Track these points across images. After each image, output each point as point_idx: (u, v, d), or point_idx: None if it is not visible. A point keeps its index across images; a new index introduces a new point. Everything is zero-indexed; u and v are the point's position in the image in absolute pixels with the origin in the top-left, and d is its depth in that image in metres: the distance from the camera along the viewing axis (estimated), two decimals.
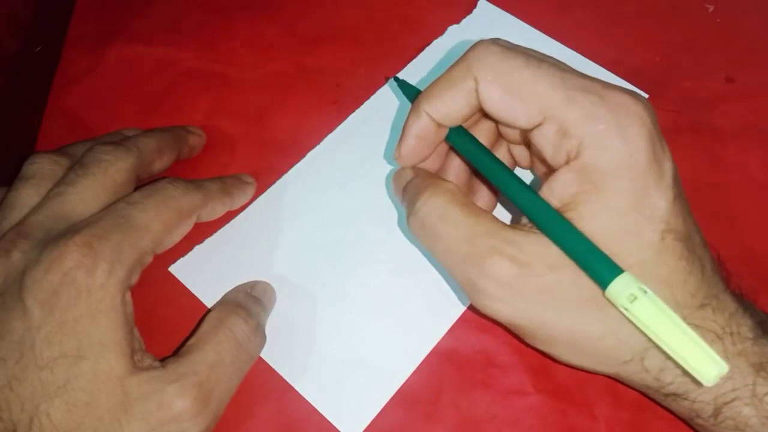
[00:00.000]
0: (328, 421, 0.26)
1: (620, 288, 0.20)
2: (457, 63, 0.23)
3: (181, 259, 0.29)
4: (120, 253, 0.23)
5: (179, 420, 0.22)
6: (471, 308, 0.28)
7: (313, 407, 0.26)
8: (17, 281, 0.22)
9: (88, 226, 0.23)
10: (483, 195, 0.28)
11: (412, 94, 0.28)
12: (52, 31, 0.37)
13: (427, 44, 0.35)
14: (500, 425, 0.26)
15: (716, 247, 0.24)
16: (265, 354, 0.27)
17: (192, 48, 0.36)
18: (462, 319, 0.28)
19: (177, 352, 0.24)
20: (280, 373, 0.27)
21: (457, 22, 0.36)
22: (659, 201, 0.21)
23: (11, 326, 0.22)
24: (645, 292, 0.20)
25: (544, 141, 0.22)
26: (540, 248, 0.22)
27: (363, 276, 0.29)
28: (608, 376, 0.24)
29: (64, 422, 0.21)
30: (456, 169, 0.27)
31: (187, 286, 0.29)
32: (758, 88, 0.34)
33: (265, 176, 0.31)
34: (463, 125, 0.25)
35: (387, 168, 0.32)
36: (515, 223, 0.24)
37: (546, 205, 0.22)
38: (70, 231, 0.23)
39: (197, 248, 0.29)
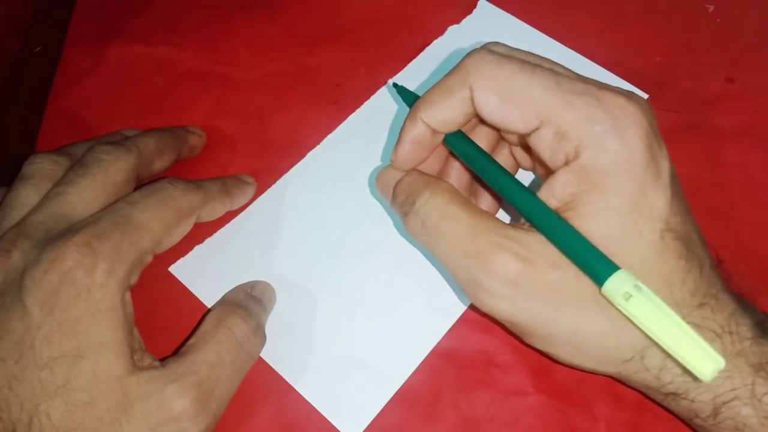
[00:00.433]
0: (328, 421, 0.26)
1: (616, 285, 0.20)
2: (452, 71, 0.24)
3: (181, 259, 0.29)
4: (120, 252, 0.23)
5: (179, 420, 0.22)
6: (471, 308, 0.28)
7: (313, 407, 0.26)
8: (17, 281, 0.22)
9: (88, 226, 0.23)
10: (485, 199, 0.28)
11: (410, 99, 0.28)
12: (52, 31, 0.37)
13: (427, 44, 0.35)
14: (500, 425, 0.26)
15: (716, 247, 0.24)
16: (265, 354, 0.27)
17: (192, 48, 0.36)
18: (462, 319, 0.28)
19: (177, 352, 0.24)
20: (280, 373, 0.27)
21: (457, 22, 0.36)
22: (657, 200, 0.21)
23: (11, 326, 0.22)
24: (640, 288, 0.20)
25: (542, 144, 0.22)
26: (541, 246, 0.22)
27: (363, 276, 0.29)
28: (608, 376, 0.24)
29: (63, 422, 0.21)
30: (457, 172, 0.27)
31: (187, 286, 0.29)
32: (758, 88, 0.34)
33: (265, 176, 0.31)
34: (465, 129, 0.26)
35: None
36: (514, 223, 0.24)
37: (542, 204, 0.22)
38: (69, 231, 0.23)
39: (197, 248, 0.29)
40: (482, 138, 0.26)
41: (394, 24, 0.36)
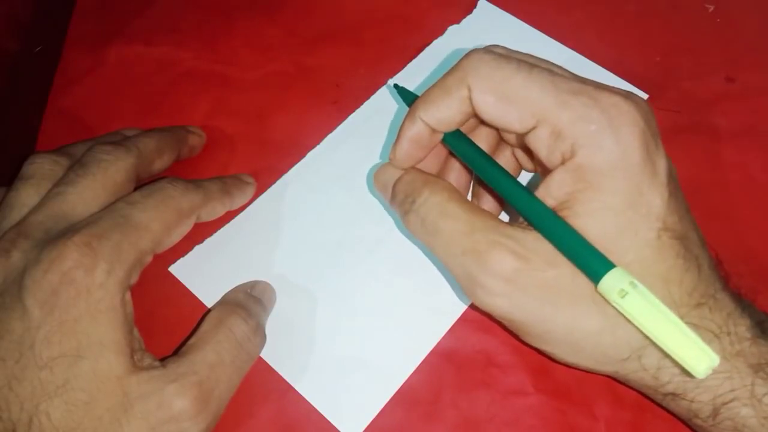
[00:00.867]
0: (328, 421, 0.26)
1: (612, 282, 0.20)
2: (451, 71, 0.24)
3: (181, 259, 0.29)
4: (119, 252, 0.23)
5: (179, 420, 0.22)
6: (471, 308, 0.28)
7: (313, 407, 0.26)
8: (17, 281, 0.22)
9: (88, 225, 0.23)
10: (487, 201, 0.28)
11: (409, 99, 0.28)
12: (52, 31, 0.37)
13: (427, 44, 0.35)
14: (500, 425, 0.26)
15: (715, 247, 0.24)
16: (265, 354, 0.27)
17: (192, 48, 0.36)
18: (462, 319, 0.28)
19: (177, 352, 0.24)
20: (280, 373, 0.27)
21: (457, 22, 0.36)
22: (654, 199, 0.21)
23: (11, 326, 0.22)
24: (636, 285, 0.20)
25: (539, 144, 0.22)
26: (538, 244, 0.22)
27: (363, 276, 0.29)
28: (607, 376, 0.24)
29: (63, 422, 0.21)
30: (456, 172, 0.28)
31: (187, 286, 0.29)
32: (758, 88, 0.34)
33: (265, 176, 0.31)
34: (465, 129, 0.26)
35: None
36: (513, 222, 0.24)
37: (539, 203, 0.22)
38: (69, 231, 0.23)
39: (197, 248, 0.29)
40: (482, 139, 0.27)
41: (394, 24, 0.36)
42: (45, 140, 0.33)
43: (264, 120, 0.34)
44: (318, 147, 0.32)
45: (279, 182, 0.31)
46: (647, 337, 0.20)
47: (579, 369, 0.24)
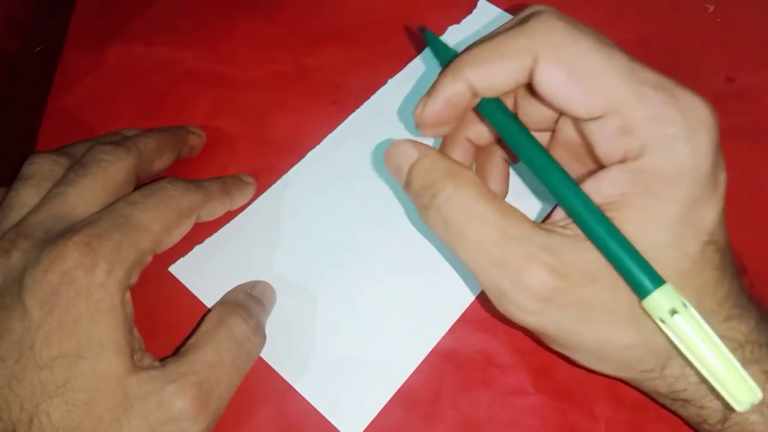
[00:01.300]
0: (328, 421, 0.26)
1: (661, 300, 0.19)
2: (514, 33, 0.21)
3: (181, 259, 0.29)
4: (119, 252, 0.23)
5: (179, 420, 0.22)
6: (471, 308, 0.28)
7: (313, 407, 0.26)
8: (17, 281, 0.22)
9: (88, 225, 0.23)
10: (494, 179, 0.26)
11: (440, 49, 0.25)
12: (52, 31, 0.37)
13: (427, 44, 0.35)
14: (500, 425, 0.26)
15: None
16: (265, 354, 0.27)
17: (192, 48, 0.36)
18: (462, 319, 0.28)
19: (177, 352, 0.24)
20: (280, 373, 0.27)
21: (457, 22, 0.36)
22: (708, 212, 0.20)
23: (10, 326, 0.22)
24: (686, 306, 0.19)
25: (601, 135, 0.20)
26: (578, 255, 0.20)
27: (363, 276, 0.29)
28: (619, 380, 0.24)
29: (63, 422, 0.21)
30: (464, 147, 0.25)
31: (187, 286, 0.29)
32: (758, 88, 0.34)
33: (265, 176, 0.31)
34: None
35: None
36: (546, 217, 0.22)
37: (591, 203, 0.20)
38: (69, 231, 0.23)
39: (197, 248, 0.29)
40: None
41: (394, 24, 0.36)
42: (45, 140, 0.33)
43: (264, 120, 0.34)
44: (318, 147, 0.32)
45: (279, 182, 0.31)
46: (684, 357, 0.19)
47: (596, 374, 0.23)
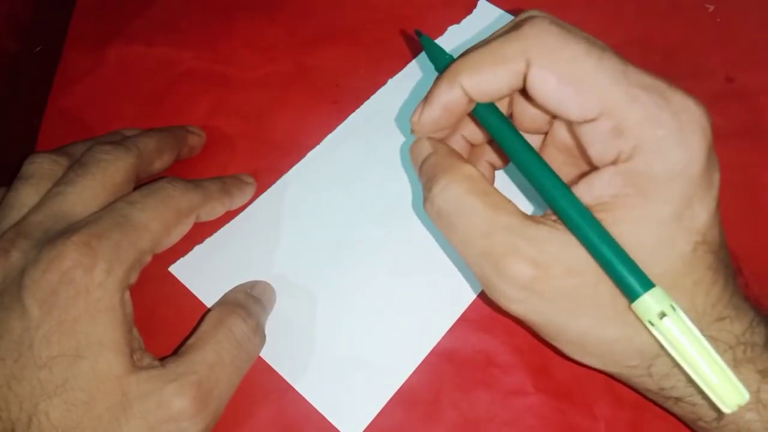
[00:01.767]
0: (328, 421, 0.26)
1: (650, 303, 0.19)
2: (507, 38, 0.21)
3: (181, 259, 0.29)
4: (119, 252, 0.23)
5: (178, 419, 0.22)
6: (471, 308, 0.28)
7: (313, 407, 0.26)
8: (16, 281, 0.22)
9: (87, 225, 0.23)
10: (483, 166, 0.27)
11: (437, 54, 0.25)
12: (52, 31, 0.37)
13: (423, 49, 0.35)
14: (500, 425, 0.26)
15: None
16: (265, 354, 0.27)
17: (192, 48, 0.36)
18: (462, 319, 0.28)
19: (177, 352, 0.24)
20: (280, 373, 0.27)
21: (457, 22, 0.36)
22: (701, 212, 0.20)
23: (10, 326, 0.22)
24: (674, 309, 0.19)
25: (594, 137, 0.21)
26: (561, 248, 0.21)
27: (363, 276, 0.29)
28: (609, 375, 0.24)
29: (62, 421, 0.21)
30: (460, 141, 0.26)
31: (187, 286, 0.29)
32: (758, 88, 0.34)
33: (265, 176, 0.31)
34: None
35: (387, 168, 0.31)
36: (539, 213, 0.22)
37: (579, 204, 0.21)
38: (68, 230, 0.23)
39: (197, 248, 0.29)
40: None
41: (394, 24, 0.36)
42: (45, 140, 0.33)
43: (264, 120, 0.34)
44: (318, 147, 0.32)
45: (279, 182, 0.31)
46: (671, 358, 0.20)
47: (582, 365, 0.23)
